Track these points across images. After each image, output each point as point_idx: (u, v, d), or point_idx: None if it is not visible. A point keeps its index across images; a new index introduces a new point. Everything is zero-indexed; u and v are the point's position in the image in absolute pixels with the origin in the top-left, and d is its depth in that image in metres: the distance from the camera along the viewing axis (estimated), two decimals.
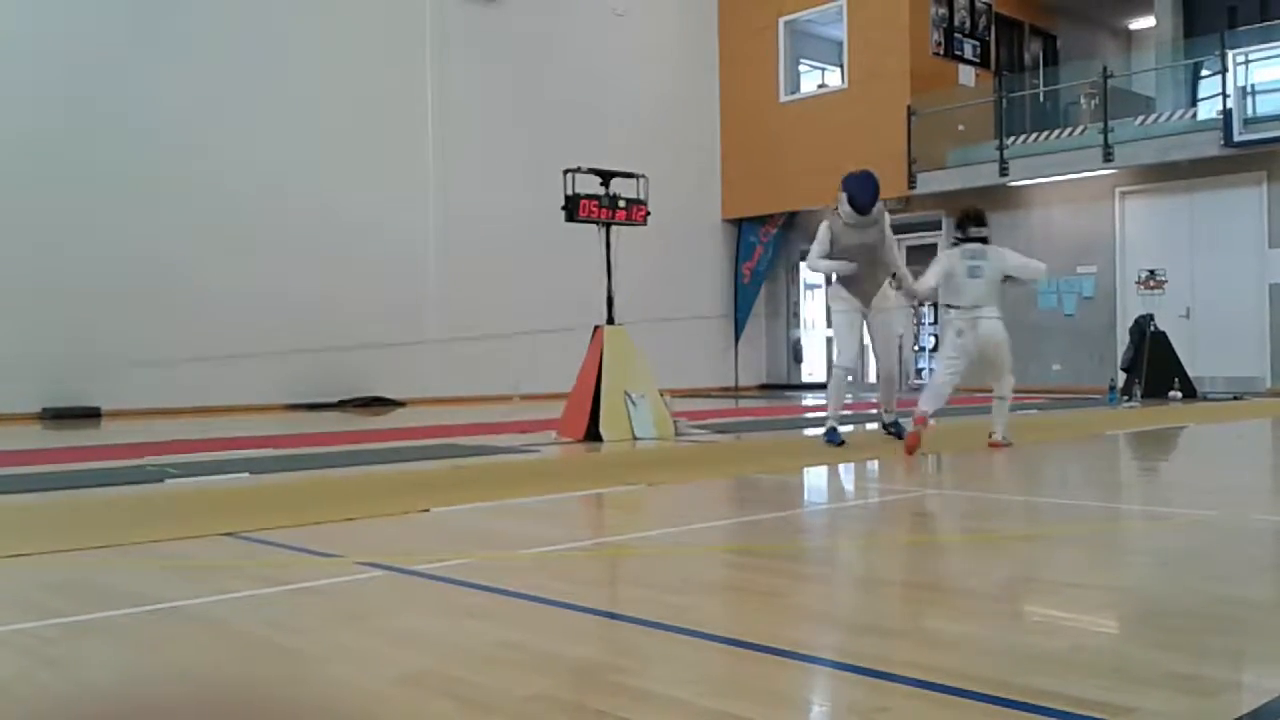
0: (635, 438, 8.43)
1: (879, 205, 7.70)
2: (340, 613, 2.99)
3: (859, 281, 7.64)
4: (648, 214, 9.19)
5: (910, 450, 6.93)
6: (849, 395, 8.05)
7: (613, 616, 2.95)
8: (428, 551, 3.82)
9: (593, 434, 8.40)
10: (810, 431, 9.84)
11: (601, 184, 8.90)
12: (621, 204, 8.96)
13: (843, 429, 7.86)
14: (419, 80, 15.53)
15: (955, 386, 7.46)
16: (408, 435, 9.28)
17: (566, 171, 8.75)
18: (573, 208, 8.72)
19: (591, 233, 8.98)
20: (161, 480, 6.00)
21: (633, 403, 8.54)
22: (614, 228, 8.93)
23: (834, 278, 7.80)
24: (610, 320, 8.88)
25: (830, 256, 7.64)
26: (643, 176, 9.11)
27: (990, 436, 7.52)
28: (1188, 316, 14.67)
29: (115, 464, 6.93)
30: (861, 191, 7.49)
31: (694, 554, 3.85)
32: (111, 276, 12.68)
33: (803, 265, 20.25)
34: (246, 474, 6.30)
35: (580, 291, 12.01)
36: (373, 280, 14.78)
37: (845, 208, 7.56)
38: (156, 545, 3.98)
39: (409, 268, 15.34)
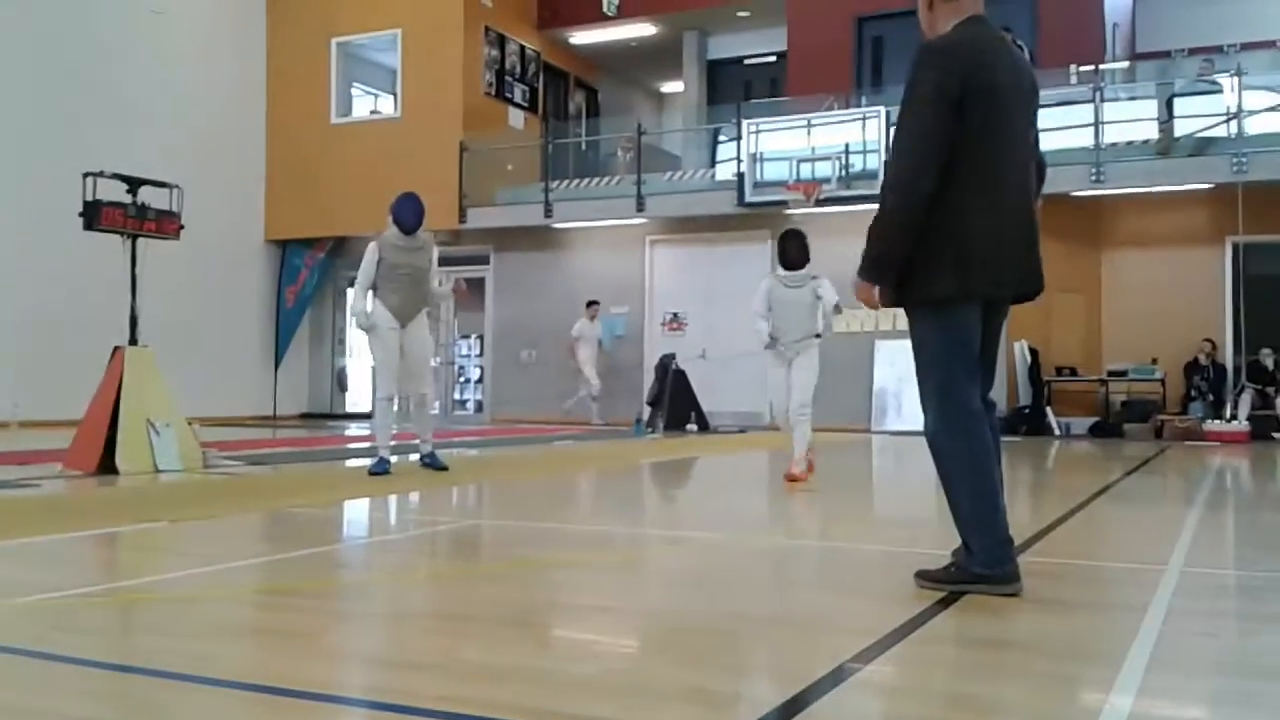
0: (158, 470, 7.77)
1: (425, 232, 7.82)
2: None
3: (401, 303, 7.65)
4: (181, 228, 8.57)
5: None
6: (395, 426, 7.97)
7: (125, 669, 2.67)
8: None
9: (108, 466, 7.64)
10: (353, 462, 9.63)
11: (129, 191, 8.18)
12: (151, 215, 8.29)
13: (393, 459, 7.78)
14: None
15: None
16: None
17: (86, 175, 7.94)
18: (92, 215, 7.94)
19: (117, 244, 8.21)
20: None
21: (156, 431, 7.87)
22: (142, 241, 8.24)
23: (371, 300, 7.71)
24: (133, 341, 8.15)
25: (376, 276, 7.64)
26: (176, 187, 8.50)
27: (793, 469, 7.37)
28: (704, 356, 16.15)
29: None
30: (405, 212, 7.62)
31: (220, 597, 3.60)
32: None
33: (349, 291, 19.87)
34: None
35: (100, 307, 10.91)
36: None
37: (393, 229, 7.65)
38: None
39: None
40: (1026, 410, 14.64)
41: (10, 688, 2.44)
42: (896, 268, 3.45)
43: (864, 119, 15.00)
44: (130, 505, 6.17)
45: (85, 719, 2.24)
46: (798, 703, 2.34)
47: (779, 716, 2.25)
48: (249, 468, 8.47)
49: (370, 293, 7.71)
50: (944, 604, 3.35)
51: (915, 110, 3.37)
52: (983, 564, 3.44)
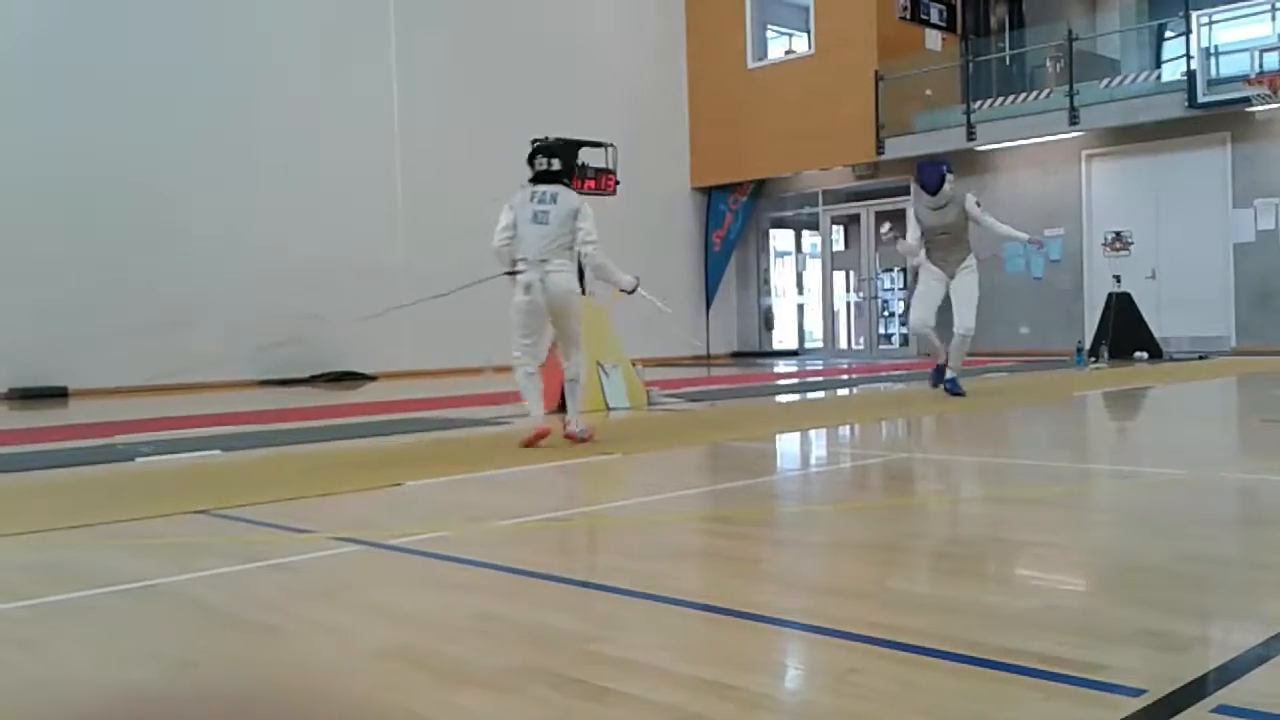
0: (609, 408, 8.43)
1: (952, 188, 8.29)
2: (315, 588, 2.99)
3: (943, 257, 8.31)
4: (617, 183, 9.15)
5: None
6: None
7: (589, 586, 2.97)
8: (402, 525, 3.81)
9: (565, 405, 8.38)
10: (782, 398, 9.87)
11: None
12: (590, 173, 8.92)
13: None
14: (383, 44, 15.35)
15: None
16: (379, 409, 9.24)
17: (534, 141, 8.68)
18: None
19: None
20: (132, 459, 5.95)
21: (605, 373, 8.54)
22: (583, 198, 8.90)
23: (922, 254, 8.42)
24: (581, 291, 8.85)
25: (921, 236, 8.36)
26: (611, 145, 9.06)
27: (566, 427, 6.41)
28: (1153, 278, 14.80)
29: (85, 443, 6.87)
30: (922, 176, 8.31)
31: (668, 522, 3.87)
32: (76, 257, 12.50)
33: (772, 233, 20.28)
34: (218, 451, 6.26)
35: None
36: (342, 254, 14.64)
37: (922, 193, 8.33)
38: (129, 524, 3.95)
39: (377, 240, 15.21)
40: None
41: (495, 600, 2.79)
42: None
43: None
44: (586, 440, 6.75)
45: (559, 629, 2.51)
46: (1271, 648, 2.13)
47: (1251, 664, 2.05)
48: (688, 404, 8.96)
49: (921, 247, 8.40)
50: None
51: None
52: None
